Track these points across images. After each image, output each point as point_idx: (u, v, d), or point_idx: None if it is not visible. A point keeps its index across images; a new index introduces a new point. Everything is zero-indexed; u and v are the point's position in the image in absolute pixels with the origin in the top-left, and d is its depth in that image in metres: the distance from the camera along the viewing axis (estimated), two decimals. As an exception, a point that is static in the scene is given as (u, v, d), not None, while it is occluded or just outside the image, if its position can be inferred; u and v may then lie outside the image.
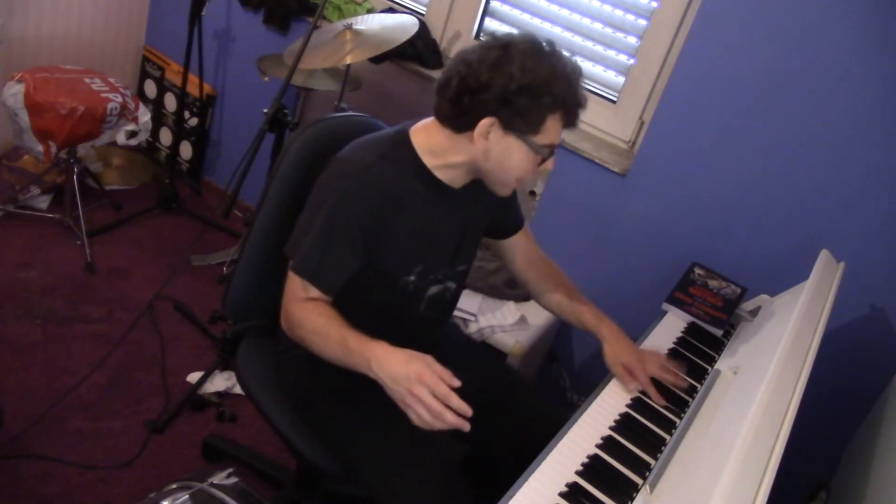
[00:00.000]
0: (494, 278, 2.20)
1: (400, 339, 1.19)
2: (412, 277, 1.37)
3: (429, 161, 1.32)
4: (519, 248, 1.61)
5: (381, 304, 1.40)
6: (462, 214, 1.40)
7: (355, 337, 1.21)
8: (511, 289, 2.21)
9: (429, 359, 1.14)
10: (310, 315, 1.27)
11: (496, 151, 1.26)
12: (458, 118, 1.25)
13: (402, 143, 1.32)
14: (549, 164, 1.31)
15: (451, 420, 1.10)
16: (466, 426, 1.11)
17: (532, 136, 1.24)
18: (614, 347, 1.49)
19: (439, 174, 1.33)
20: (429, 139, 1.32)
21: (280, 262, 1.35)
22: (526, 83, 1.19)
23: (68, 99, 2.33)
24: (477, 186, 1.37)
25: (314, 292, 1.28)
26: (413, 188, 1.31)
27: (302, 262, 1.28)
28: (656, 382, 1.45)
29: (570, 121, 1.27)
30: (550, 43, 1.24)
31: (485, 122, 1.22)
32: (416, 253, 1.36)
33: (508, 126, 1.23)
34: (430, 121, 1.33)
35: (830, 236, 1.87)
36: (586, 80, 2.20)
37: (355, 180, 1.26)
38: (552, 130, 1.25)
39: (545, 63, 1.20)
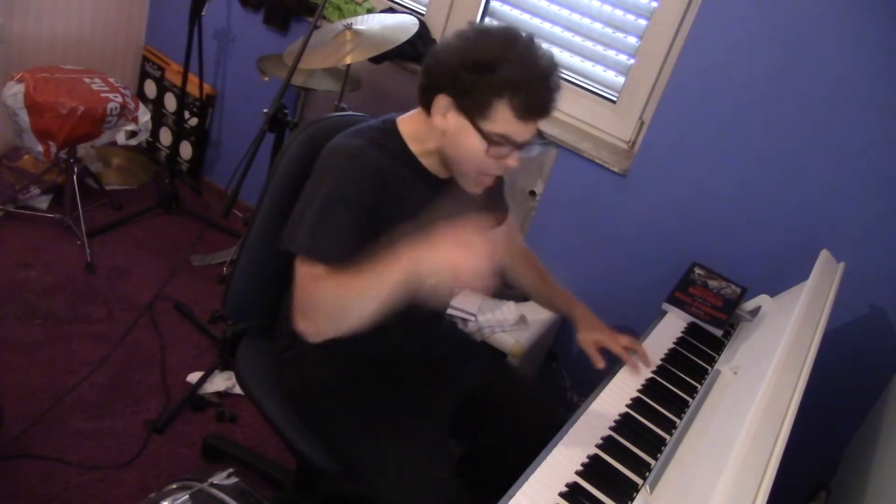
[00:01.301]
0: (494, 278, 2.20)
1: (402, 330, 1.18)
2: None
3: (414, 147, 1.32)
4: (501, 237, 1.62)
5: None
6: (454, 204, 1.38)
7: (378, 264, 1.11)
8: (511, 288, 2.21)
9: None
10: (321, 287, 1.19)
11: (452, 133, 1.25)
12: (423, 97, 1.27)
13: (390, 130, 1.33)
14: (512, 160, 1.26)
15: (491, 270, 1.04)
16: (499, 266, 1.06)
17: (480, 121, 1.21)
18: (586, 328, 1.55)
19: (424, 161, 1.33)
20: (412, 126, 1.33)
21: (280, 262, 1.34)
22: (472, 58, 1.18)
23: (68, 99, 2.33)
24: None
25: (320, 269, 1.20)
26: (401, 174, 1.30)
27: (301, 243, 1.22)
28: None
29: (526, 111, 1.19)
30: (529, 35, 1.21)
31: (440, 99, 1.23)
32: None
33: (460, 106, 1.22)
34: (415, 110, 1.34)
35: (830, 236, 1.87)
36: (586, 80, 2.23)
37: (348, 160, 1.25)
38: (502, 118, 1.20)
39: (499, 42, 1.19)
